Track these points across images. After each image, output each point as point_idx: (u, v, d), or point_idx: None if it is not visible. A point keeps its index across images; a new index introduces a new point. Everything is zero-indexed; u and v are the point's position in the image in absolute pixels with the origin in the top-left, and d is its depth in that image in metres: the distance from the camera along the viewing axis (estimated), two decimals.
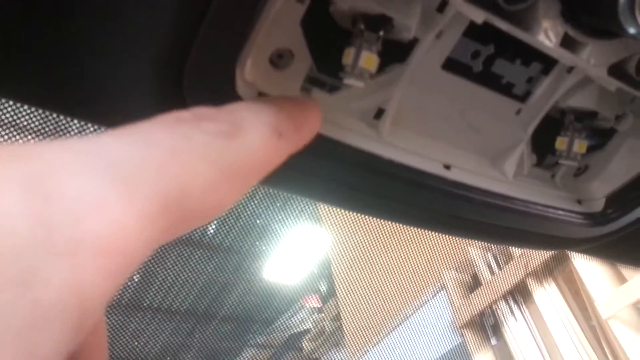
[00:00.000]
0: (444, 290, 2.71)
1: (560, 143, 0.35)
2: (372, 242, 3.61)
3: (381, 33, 0.28)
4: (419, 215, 0.35)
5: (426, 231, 3.18)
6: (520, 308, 2.32)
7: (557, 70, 0.33)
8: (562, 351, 2.05)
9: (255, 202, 5.33)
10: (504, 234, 0.38)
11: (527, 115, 0.35)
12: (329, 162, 0.30)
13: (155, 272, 5.88)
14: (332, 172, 0.31)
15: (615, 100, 0.35)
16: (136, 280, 5.84)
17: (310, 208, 5.24)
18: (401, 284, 3.24)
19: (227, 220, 5.45)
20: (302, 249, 5.37)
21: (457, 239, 2.85)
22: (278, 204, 5.41)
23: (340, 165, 0.30)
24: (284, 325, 6.21)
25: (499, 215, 0.35)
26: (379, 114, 0.32)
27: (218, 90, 0.27)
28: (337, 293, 3.88)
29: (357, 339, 3.44)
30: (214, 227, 5.57)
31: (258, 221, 5.56)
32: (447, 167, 0.33)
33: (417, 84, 0.32)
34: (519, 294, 2.33)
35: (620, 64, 0.28)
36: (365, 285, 3.59)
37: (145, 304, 6.40)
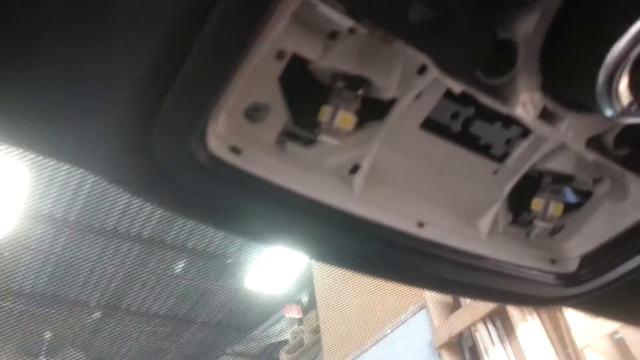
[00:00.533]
0: (425, 309, 2.71)
1: (537, 204, 0.34)
2: None
3: (360, 92, 0.28)
4: (392, 271, 0.34)
5: None
6: (498, 332, 2.32)
7: (536, 134, 0.33)
8: None
9: None
10: (477, 291, 0.37)
11: (504, 176, 0.34)
12: (300, 218, 0.30)
13: (136, 274, 5.82)
14: (303, 228, 0.30)
15: (592, 165, 0.35)
16: (115, 281, 5.78)
17: None
18: (382, 301, 3.23)
19: (211, 229, 5.42)
20: (286, 259, 5.34)
21: None
22: None
23: (311, 222, 0.30)
24: (264, 335, 6.17)
25: (471, 273, 0.34)
26: (355, 169, 0.31)
27: (186, 142, 0.26)
28: (318, 305, 3.86)
29: (335, 353, 3.42)
30: (197, 231, 5.53)
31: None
32: (421, 224, 0.33)
33: (395, 142, 0.31)
34: (498, 317, 2.34)
35: (598, 137, 0.28)
36: (346, 300, 3.58)
37: (123, 306, 6.33)
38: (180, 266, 5.73)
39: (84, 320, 5.91)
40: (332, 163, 0.31)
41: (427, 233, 0.33)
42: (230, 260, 5.78)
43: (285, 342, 4.58)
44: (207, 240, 5.58)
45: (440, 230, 0.33)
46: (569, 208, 0.38)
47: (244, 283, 5.79)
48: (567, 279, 0.37)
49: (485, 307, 2.34)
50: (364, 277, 3.47)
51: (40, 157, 2.84)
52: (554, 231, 0.39)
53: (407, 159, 0.33)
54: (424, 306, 2.72)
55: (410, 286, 0.39)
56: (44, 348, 5.77)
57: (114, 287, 5.88)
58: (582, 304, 0.41)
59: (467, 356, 2.51)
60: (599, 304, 0.41)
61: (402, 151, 0.32)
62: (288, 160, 0.31)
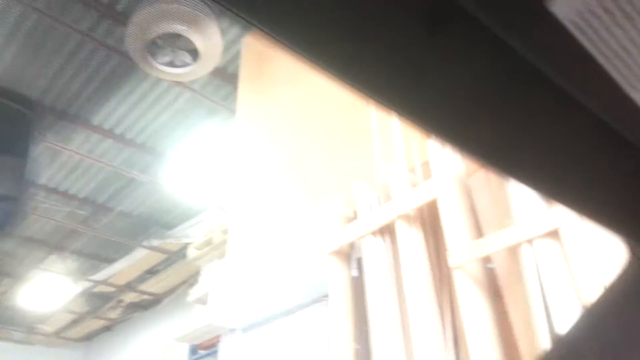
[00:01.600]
0: (325, 218, 2.74)
1: None
2: (277, 164, 3.58)
3: None
4: None
5: (331, 162, 3.19)
6: (385, 246, 2.38)
7: None
8: (408, 293, 2.13)
9: (180, 103, 5.14)
10: None
11: None
12: None
13: (58, 151, 5.59)
14: None
15: None
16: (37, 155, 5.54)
17: (229, 122, 5.12)
18: (291, 208, 3.26)
19: (145, 115, 5.24)
20: (212, 162, 5.28)
21: (352, 176, 2.87)
22: (201, 112, 5.24)
23: None
24: (182, 234, 6.17)
25: None
26: None
27: None
28: (230, 208, 3.86)
29: (238, 251, 3.46)
30: (129, 117, 5.34)
31: (177, 128, 5.38)
32: None
33: None
34: (388, 233, 2.39)
35: None
36: (255, 204, 3.58)
37: (41, 182, 6.13)
38: (106, 151, 5.56)
39: None
40: None
41: None
42: (159, 155, 5.65)
43: (197, 240, 4.60)
44: (138, 128, 5.41)
45: None
46: None
47: (171, 180, 5.70)
48: None
49: (378, 221, 2.38)
50: (277, 187, 3.45)
51: None
52: None
53: None
54: (325, 215, 2.75)
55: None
56: None
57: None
58: None
59: (354, 265, 2.58)
60: None
61: None
62: None
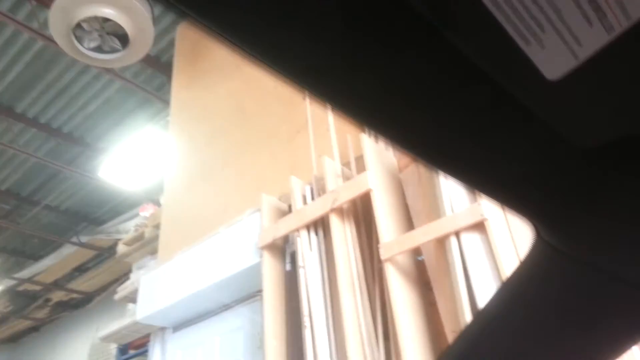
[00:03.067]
0: (259, 212, 2.69)
1: None
2: (213, 159, 3.49)
3: None
4: None
5: (265, 157, 3.14)
6: (318, 240, 2.36)
7: None
8: (340, 286, 2.12)
9: (111, 92, 4.90)
10: None
11: None
12: None
13: None
14: None
15: None
16: None
17: (163, 114, 4.96)
18: (225, 204, 3.19)
19: (72, 103, 4.96)
20: (146, 156, 5.08)
21: (288, 169, 2.83)
22: (133, 102, 5.03)
23: None
24: (114, 229, 5.93)
25: None
26: None
27: None
28: (163, 204, 3.73)
29: (170, 248, 3.35)
30: (64, 115, 5.04)
31: (108, 118, 5.14)
32: None
33: None
34: (321, 226, 2.37)
35: None
36: (190, 202, 3.49)
37: None
38: (30, 141, 5.23)
39: None
40: None
41: None
42: (88, 146, 5.39)
43: (129, 236, 4.41)
44: (65, 117, 5.13)
45: None
46: None
47: (98, 173, 5.45)
48: None
49: (312, 215, 2.36)
50: (212, 181, 3.38)
51: None
52: None
53: None
54: (259, 209, 2.70)
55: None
56: None
57: None
58: None
59: (287, 259, 2.55)
60: None
61: None
62: None
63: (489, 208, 1.78)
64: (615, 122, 0.24)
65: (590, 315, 0.36)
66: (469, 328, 0.44)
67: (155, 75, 4.76)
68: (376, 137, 2.42)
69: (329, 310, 2.19)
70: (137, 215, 5.33)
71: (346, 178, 2.40)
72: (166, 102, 4.55)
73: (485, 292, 1.73)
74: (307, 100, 2.95)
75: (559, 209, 0.30)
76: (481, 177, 0.30)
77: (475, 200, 1.82)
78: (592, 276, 0.33)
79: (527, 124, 0.26)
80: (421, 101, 0.25)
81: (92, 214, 6.29)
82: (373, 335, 2.03)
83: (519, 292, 0.39)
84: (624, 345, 0.37)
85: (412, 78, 0.24)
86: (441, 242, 1.91)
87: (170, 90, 4.33)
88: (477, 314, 0.41)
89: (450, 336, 1.84)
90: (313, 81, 0.26)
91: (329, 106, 0.28)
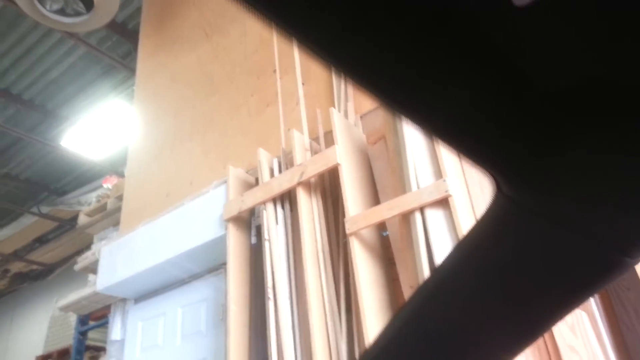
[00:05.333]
0: (225, 184, 2.66)
1: None
2: (178, 130, 3.42)
3: None
4: None
5: (232, 129, 3.09)
6: (284, 213, 2.35)
7: None
8: (306, 259, 2.12)
9: (74, 58, 4.72)
10: None
11: None
12: None
13: None
14: None
15: None
16: None
17: (128, 82, 4.82)
18: (190, 176, 3.14)
19: (33, 69, 4.77)
20: (109, 126, 4.95)
21: (257, 142, 2.80)
22: (98, 69, 4.87)
23: None
24: (75, 201, 5.78)
25: None
26: None
27: None
28: (127, 174, 3.65)
29: (133, 219, 3.29)
30: (24, 81, 4.84)
31: (71, 86, 4.96)
32: None
33: None
34: (288, 199, 2.36)
35: None
36: (154, 173, 3.42)
37: None
38: None
39: None
40: None
41: None
42: (49, 114, 5.20)
43: (90, 207, 4.31)
44: (26, 83, 4.93)
45: None
46: None
47: (61, 142, 5.29)
48: None
49: (279, 188, 2.34)
50: (178, 152, 3.31)
51: None
52: None
53: None
54: (226, 181, 2.67)
55: None
56: None
57: None
58: None
59: (253, 232, 2.54)
60: None
61: None
62: None
63: (453, 184, 1.80)
64: (584, 63, 0.23)
65: (549, 272, 0.35)
66: (425, 285, 0.43)
67: (121, 43, 4.60)
68: (345, 109, 2.41)
69: (293, 283, 2.19)
70: (100, 186, 5.21)
71: (315, 152, 2.38)
72: (132, 70, 4.42)
73: None
74: (278, 74, 2.90)
75: (520, 159, 0.29)
76: (439, 121, 0.29)
77: (440, 176, 1.84)
78: (553, 231, 0.33)
79: (490, 59, 0.24)
80: (379, 36, 0.24)
81: (53, 184, 6.12)
82: (336, 308, 2.05)
83: (476, 248, 0.38)
84: (579, 301, 0.37)
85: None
86: (406, 218, 1.93)
87: (136, 58, 4.21)
88: (433, 270, 0.41)
89: (408, 293, 1.87)
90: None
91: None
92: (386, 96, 0.27)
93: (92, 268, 3.33)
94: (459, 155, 0.31)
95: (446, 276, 0.41)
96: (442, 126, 0.28)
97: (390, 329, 0.45)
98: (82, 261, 3.26)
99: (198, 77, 3.47)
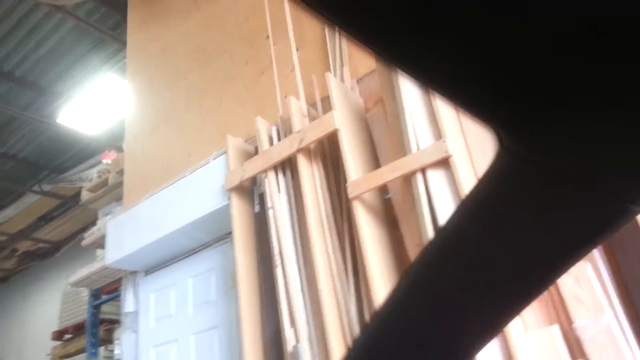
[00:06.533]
0: (225, 155, 2.67)
1: None
2: (174, 102, 3.40)
3: None
4: None
5: (228, 99, 3.07)
6: (286, 180, 2.37)
7: None
8: (311, 224, 2.15)
9: (63, 32, 4.64)
10: None
11: None
12: None
13: None
14: None
15: None
16: None
17: (120, 55, 4.75)
18: (188, 148, 3.14)
19: (23, 45, 4.69)
20: (104, 101, 4.91)
21: (254, 111, 2.79)
22: (88, 43, 4.79)
23: None
24: (76, 177, 5.80)
25: None
26: None
27: None
28: (126, 149, 3.65)
29: (136, 193, 3.31)
30: (14, 58, 4.75)
31: (62, 61, 4.88)
32: None
33: None
34: (289, 166, 2.38)
35: None
36: (154, 146, 3.42)
37: None
38: None
39: None
40: None
41: None
42: (43, 91, 5.15)
43: (92, 183, 4.33)
44: (16, 60, 4.85)
45: None
46: None
47: (57, 119, 5.25)
48: None
49: (278, 156, 2.35)
50: (175, 124, 3.29)
51: None
52: None
53: None
54: (225, 152, 2.68)
55: None
56: None
57: None
58: None
59: (256, 201, 2.56)
60: None
61: None
62: None
63: (453, 145, 1.81)
64: (592, 3, 0.22)
65: (555, 224, 0.35)
66: (431, 244, 0.43)
67: (110, 14, 4.51)
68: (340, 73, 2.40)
69: (299, 249, 2.23)
70: (99, 162, 5.22)
71: (312, 118, 2.38)
72: (123, 42, 4.35)
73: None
74: (271, 40, 2.86)
75: (526, 112, 0.28)
76: (442, 76, 0.28)
77: (440, 137, 1.85)
78: (559, 183, 0.32)
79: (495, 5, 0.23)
80: None
81: (52, 161, 6.12)
82: (342, 270, 2.09)
83: (481, 204, 0.38)
84: (585, 251, 0.37)
85: None
86: (407, 180, 1.94)
87: (126, 30, 4.14)
88: (438, 230, 0.41)
89: (414, 252, 1.92)
90: None
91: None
92: (386, 49, 0.27)
93: (99, 243, 3.37)
94: (459, 111, 0.31)
95: (451, 234, 0.41)
96: (445, 81, 0.28)
97: (398, 289, 0.46)
98: (89, 237, 3.30)
99: (190, 47, 3.42)
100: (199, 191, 2.71)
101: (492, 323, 0.43)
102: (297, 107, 2.41)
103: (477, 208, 0.39)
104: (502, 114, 0.29)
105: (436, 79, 0.28)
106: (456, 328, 0.44)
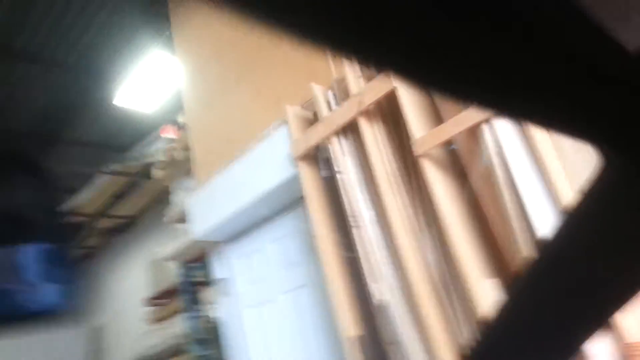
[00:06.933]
0: (285, 124, 2.75)
1: None
2: (225, 74, 3.47)
3: None
4: None
5: (279, 66, 3.11)
6: (349, 144, 2.43)
7: None
8: (378, 185, 2.23)
9: (104, 16, 4.75)
10: None
11: None
12: None
13: None
14: None
15: None
16: None
17: (163, 30, 4.82)
18: (248, 119, 3.23)
19: (70, 32, 4.84)
20: (156, 77, 5.05)
21: (304, 77, 2.82)
22: (129, 23, 4.88)
23: None
24: (140, 154, 6.07)
25: None
26: None
27: None
28: (188, 125, 3.79)
29: (205, 168, 3.48)
30: (64, 46, 4.93)
31: (112, 43, 5.02)
32: None
33: None
34: (350, 131, 2.43)
35: None
36: (214, 119, 3.53)
37: None
38: (37, 79, 5.20)
39: None
40: None
41: None
42: (98, 75, 5.34)
43: (159, 160, 4.55)
44: (66, 48, 5.02)
45: None
46: None
47: (116, 100, 5.46)
48: None
49: (340, 121, 2.41)
50: (229, 96, 3.36)
51: None
52: None
53: None
54: (285, 122, 2.75)
55: None
56: None
57: None
58: None
59: (323, 167, 2.65)
60: None
61: None
62: None
63: None
64: None
65: None
66: (536, 262, 0.43)
67: None
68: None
69: (372, 209, 2.33)
70: (158, 137, 5.44)
71: (367, 79, 2.40)
72: (165, 17, 4.41)
73: (522, 172, 1.82)
74: None
75: (635, 126, 0.28)
76: (544, 113, 0.28)
77: None
78: None
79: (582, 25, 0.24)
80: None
81: (114, 142, 6.41)
82: (416, 225, 2.18)
83: (590, 220, 0.38)
84: None
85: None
86: (472, 132, 1.97)
87: (167, 4, 4.19)
88: (542, 248, 0.41)
89: (491, 216, 1.98)
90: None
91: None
92: (485, 98, 0.28)
93: (179, 218, 3.61)
94: (567, 137, 0.32)
95: (559, 251, 0.41)
96: (548, 118, 0.29)
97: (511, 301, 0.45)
98: (169, 215, 3.53)
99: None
100: (267, 162, 2.83)
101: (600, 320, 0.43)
102: (351, 69, 2.43)
103: (582, 227, 0.39)
104: (612, 127, 0.29)
105: (538, 116, 0.29)
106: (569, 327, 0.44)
